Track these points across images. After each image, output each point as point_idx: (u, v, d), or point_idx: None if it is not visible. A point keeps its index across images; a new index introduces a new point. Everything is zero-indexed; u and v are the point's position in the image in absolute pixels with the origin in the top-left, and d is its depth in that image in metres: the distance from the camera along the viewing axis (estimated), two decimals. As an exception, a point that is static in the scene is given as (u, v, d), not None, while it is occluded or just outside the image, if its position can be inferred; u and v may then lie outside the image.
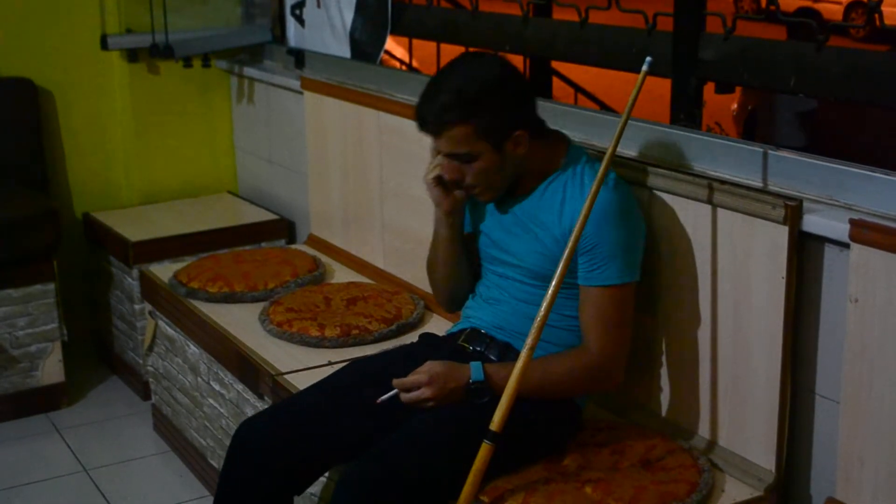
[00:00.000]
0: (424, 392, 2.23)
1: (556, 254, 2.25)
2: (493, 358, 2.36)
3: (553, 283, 2.13)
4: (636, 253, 2.31)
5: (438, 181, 2.40)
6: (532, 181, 2.36)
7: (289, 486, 2.35)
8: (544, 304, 2.12)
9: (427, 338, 2.57)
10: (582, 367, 2.27)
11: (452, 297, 2.59)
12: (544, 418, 2.28)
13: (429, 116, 2.25)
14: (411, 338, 2.87)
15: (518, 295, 2.39)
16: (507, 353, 2.36)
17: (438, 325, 3.03)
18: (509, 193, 2.39)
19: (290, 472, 2.32)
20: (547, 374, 2.24)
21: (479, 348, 2.40)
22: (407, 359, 2.41)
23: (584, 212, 2.16)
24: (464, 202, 2.46)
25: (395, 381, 2.26)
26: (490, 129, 2.23)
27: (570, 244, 2.15)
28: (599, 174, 2.18)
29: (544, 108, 2.90)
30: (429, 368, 2.26)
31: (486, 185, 2.34)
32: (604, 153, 2.24)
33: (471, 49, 2.97)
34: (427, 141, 2.36)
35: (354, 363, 2.55)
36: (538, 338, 2.11)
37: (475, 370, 2.25)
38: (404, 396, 2.25)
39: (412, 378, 2.25)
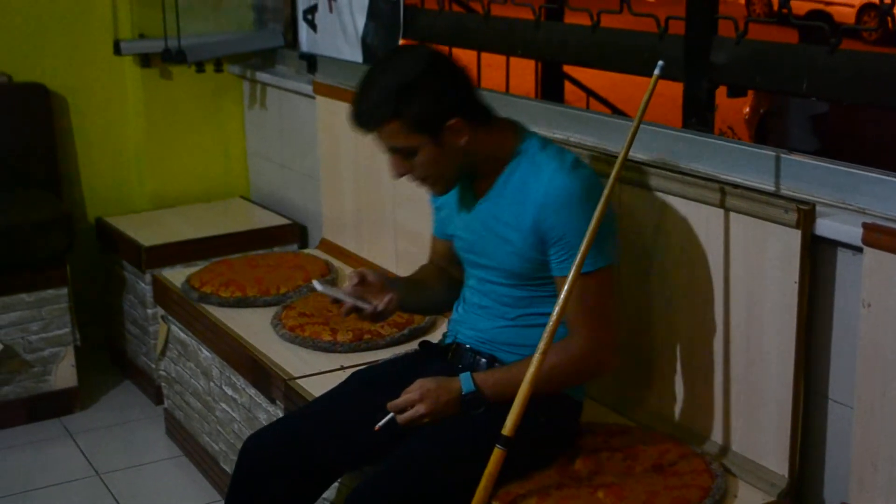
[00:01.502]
0: (419, 409, 2.22)
1: (528, 251, 2.25)
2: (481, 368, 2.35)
3: (567, 285, 2.11)
4: (607, 236, 2.23)
5: (351, 311, 2.34)
6: (489, 176, 2.31)
7: (297, 496, 2.35)
8: (556, 309, 2.10)
9: (426, 345, 2.56)
10: (571, 360, 2.24)
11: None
12: (545, 418, 2.27)
13: (360, 116, 2.23)
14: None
15: (501, 299, 2.36)
16: (493, 366, 2.34)
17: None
18: (472, 193, 2.35)
19: (298, 483, 2.32)
20: (540, 371, 2.20)
21: (464, 364, 2.38)
22: (411, 366, 2.43)
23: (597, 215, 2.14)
24: (391, 308, 2.36)
25: (390, 404, 2.25)
26: (421, 121, 2.18)
27: (584, 244, 2.13)
28: (613, 176, 2.17)
29: (556, 113, 2.91)
30: (419, 385, 2.24)
31: (433, 178, 2.29)
32: (615, 158, 2.24)
33: (483, 52, 2.92)
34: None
35: (358, 373, 2.55)
36: (550, 342, 2.10)
37: (465, 382, 2.24)
38: (400, 417, 2.23)
39: (405, 398, 2.24)
